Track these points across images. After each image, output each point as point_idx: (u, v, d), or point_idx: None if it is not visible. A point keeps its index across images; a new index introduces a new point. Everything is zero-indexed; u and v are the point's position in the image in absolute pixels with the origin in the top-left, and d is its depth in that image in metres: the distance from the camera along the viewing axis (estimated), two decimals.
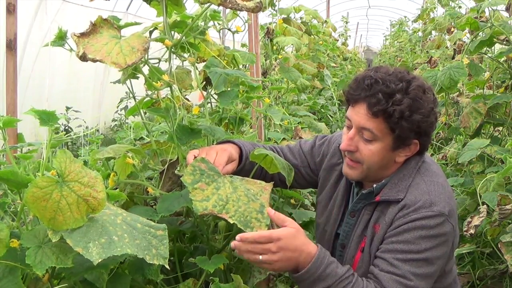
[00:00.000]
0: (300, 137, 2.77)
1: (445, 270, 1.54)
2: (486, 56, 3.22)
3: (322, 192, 1.69)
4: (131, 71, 1.55)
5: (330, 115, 5.16)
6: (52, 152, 1.34)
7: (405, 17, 12.66)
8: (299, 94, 4.29)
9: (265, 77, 3.25)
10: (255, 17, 2.64)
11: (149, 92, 1.70)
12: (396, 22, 13.62)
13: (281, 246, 1.29)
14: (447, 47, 5.71)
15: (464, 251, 2.66)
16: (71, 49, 1.40)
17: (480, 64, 3.11)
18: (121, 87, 1.74)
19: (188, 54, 1.63)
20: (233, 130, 2.03)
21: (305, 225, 2.04)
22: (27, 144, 1.58)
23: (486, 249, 2.65)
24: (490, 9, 2.87)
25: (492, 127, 3.24)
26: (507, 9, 3.00)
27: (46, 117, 1.14)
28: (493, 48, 3.18)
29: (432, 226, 1.38)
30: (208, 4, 1.47)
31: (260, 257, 1.30)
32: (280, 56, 3.50)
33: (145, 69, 1.54)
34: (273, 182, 1.48)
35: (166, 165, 1.59)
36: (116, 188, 1.56)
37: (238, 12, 1.69)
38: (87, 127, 6.48)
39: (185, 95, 1.81)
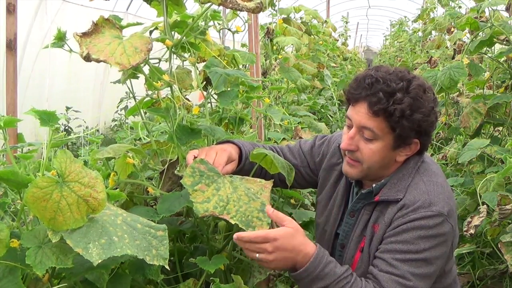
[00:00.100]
0: (300, 137, 2.77)
1: (444, 270, 1.54)
2: (486, 56, 3.22)
3: (322, 192, 1.69)
4: (132, 71, 1.55)
5: (330, 115, 5.16)
6: (52, 152, 1.34)
7: (405, 17, 12.66)
8: (299, 94, 4.29)
9: (265, 77, 3.25)
10: (255, 17, 2.64)
11: (149, 92, 1.70)
12: (396, 22, 13.62)
13: (277, 246, 1.29)
14: (447, 47, 5.71)
15: (464, 251, 2.66)
16: (71, 50, 1.40)
17: (480, 64, 3.11)
18: (121, 87, 1.74)
19: (189, 54, 1.63)
20: (233, 130, 2.03)
21: (305, 225, 2.04)
22: (27, 144, 1.58)
23: (486, 249, 2.65)
24: (490, 9, 2.87)
25: (492, 127, 3.24)
26: (507, 9, 3.00)
27: (46, 117, 1.13)
28: (493, 48, 3.17)
29: (431, 226, 1.38)
30: (209, 4, 1.47)
31: (257, 255, 1.31)
32: (280, 56, 3.50)
33: (145, 69, 1.54)
34: (273, 180, 1.49)
35: (166, 165, 1.59)
36: (116, 188, 1.56)
37: (238, 12, 1.69)
38: (87, 127, 6.48)
39: (185, 95, 1.81)
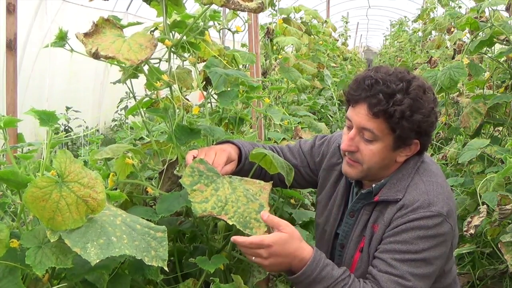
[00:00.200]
0: (300, 137, 2.77)
1: (444, 270, 1.54)
2: (486, 56, 3.21)
3: (321, 192, 1.70)
4: (132, 71, 1.55)
5: (330, 115, 5.16)
6: (52, 152, 1.34)
7: (405, 17, 12.66)
8: (299, 94, 4.29)
9: (265, 77, 3.25)
10: (255, 17, 2.63)
11: (149, 92, 1.70)
12: (396, 22, 13.62)
13: (271, 252, 1.30)
14: (447, 47, 5.71)
15: (464, 251, 2.66)
16: (72, 50, 1.40)
17: (480, 64, 3.11)
18: (121, 87, 1.74)
19: (189, 54, 1.63)
20: (233, 130, 2.03)
21: (305, 225, 2.04)
22: (27, 144, 1.58)
23: (486, 249, 2.65)
24: (490, 9, 2.87)
25: (492, 127, 3.24)
26: (507, 9, 2.99)
27: (46, 117, 1.13)
28: (493, 48, 3.17)
29: (430, 226, 1.38)
30: (211, 4, 1.47)
31: (253, 258, 1.32)
32: (280, 56, 3.50)
33: (146, 69, 1.54)
34: (272, 182, 1.48)
35: (165, 165, 1.59)
36: (116, 188, 1.56)
37: (238, 12, 1.69)
38: (87, 127, 6.48)
39: (185, 95, 1.81)
